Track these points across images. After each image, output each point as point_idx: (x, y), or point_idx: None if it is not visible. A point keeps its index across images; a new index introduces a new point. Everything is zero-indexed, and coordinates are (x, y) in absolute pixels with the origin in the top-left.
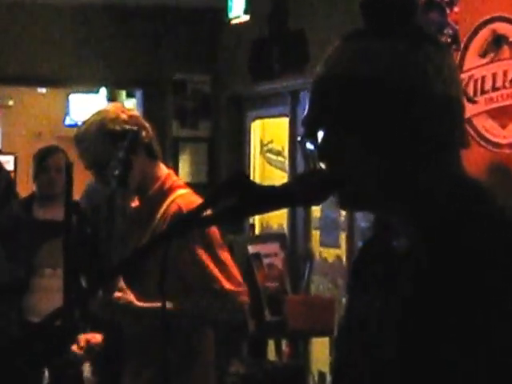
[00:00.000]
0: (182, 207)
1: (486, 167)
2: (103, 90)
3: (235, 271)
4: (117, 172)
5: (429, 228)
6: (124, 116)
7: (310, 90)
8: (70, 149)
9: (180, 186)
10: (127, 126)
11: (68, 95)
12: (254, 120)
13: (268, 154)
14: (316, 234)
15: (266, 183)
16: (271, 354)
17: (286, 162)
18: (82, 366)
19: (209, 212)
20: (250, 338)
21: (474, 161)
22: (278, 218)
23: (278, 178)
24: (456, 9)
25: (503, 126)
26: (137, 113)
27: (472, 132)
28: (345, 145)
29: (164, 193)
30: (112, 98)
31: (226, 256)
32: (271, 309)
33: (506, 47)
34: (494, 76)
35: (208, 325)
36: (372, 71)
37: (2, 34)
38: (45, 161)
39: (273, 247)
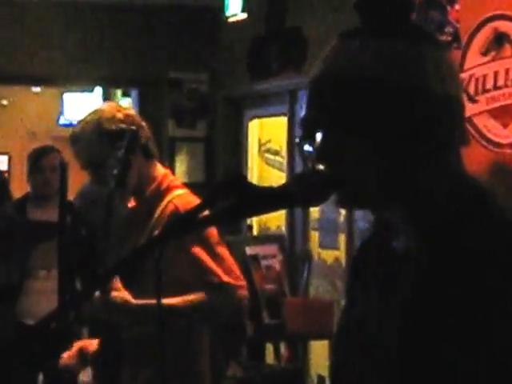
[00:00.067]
0: (179, 208)
1: (488, 167)
2: (98, 89)
3: (234, 266)
4: (115, 171)
5: (429, 228)
6: (120, 115)
7: (308, 90)
8: (65, 148)
9: (177, 187)
10: (123, 126)
11: (62, 94)
12: (251, 119)
13: (266, 154)
14: (315, 236)
15: (264, 183)
16: (270, 358)
17: (285, 161)
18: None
19: (206, 213)
20: (248, 341)
21: (475, 161)
22: (276, 219)
23: (277, 178)
24: (457, 7)
25: (505, 126)
26: (133, 112)
27: (473, 131)
28: (344, 145)
29: (161, 193)
30: (107, 97)
31: (223, 251)
32: (269, 311)
33: (507, 45)
34: (496, 74)
35: (207, 320)
36: (370, 71)
37: None
38: (39, 161)
39: (271, 249)
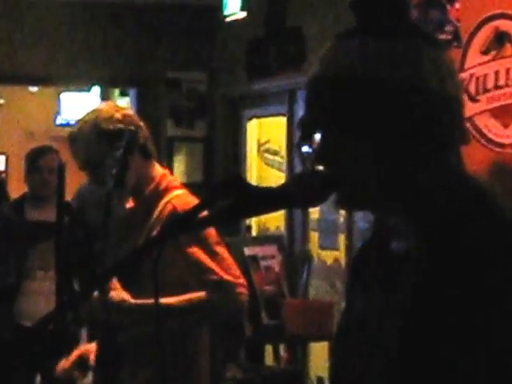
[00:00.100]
0: (178, 208)
1: (488, 167)
2: (96, 89)
3: (233, 265)
4: (114, 172)
5: (429, 228)
6: (118, 115)
7: (306, 91)
8: (63, 148)
9: (176, 187)
10: (122, 126)
11: (59, 94)
12: (250, 119)
13: (265, 154)
14: (314, 236)
15: (263, 184)
16: (269, 359)
17: (284, 162)
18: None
19: (205, 213)
20: (247, 342)
21: (475, 160)
22: (275, 220)
23: (276, 178)
24: (457, 5)
25: (505, 126)
26: (131, 112)
27: (474, 131)
28: (342, 146)
29: (159, 193)
30: (105, 96)
31: (222, 251)
32: (268, 312)
33: (508, 45)
34: (497, 74)
35: (207, 319)
36: (368, 71)
37: None
38: (37, 161)
39: (270, 249)
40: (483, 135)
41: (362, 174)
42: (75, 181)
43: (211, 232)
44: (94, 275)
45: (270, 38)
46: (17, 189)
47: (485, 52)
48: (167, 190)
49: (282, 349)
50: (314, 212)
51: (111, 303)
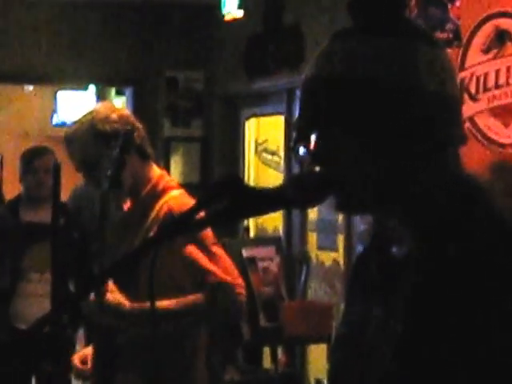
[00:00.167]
0: (174, 209)
1: (489, 167)
2: (92, 88)
3: (231, 265)
4: (109, 173)
5: (427, 228)
6: (114, 116)
7: (301, 91)
8: (59, 149)
9: (173, 188)
10: (118, 126)
11: (56, 93)
12: (248, 118)
13: (263, 154)
14: (312, 237)
15: (261, 184)
16: (267, 362)
17: (282, 161)
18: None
19: (201, 214)
20: (245, 345)
21: (475, 160)
22: (273, 221)
23: (274, 178)
24: (457, 4)
25: (506, 125)
26: (128, 112)
27: (474, 131)
28: (338, 146)
29: (156, 194)
30: (101, 95)
31: (220, 252)
32: (267, 314)
33: (509, 43)
34: (497, 73)
35: (204, 320)
36: (364, 71)
37: None
38: (32, 162)
39: (268, 251)
40: (484, 134)
41: (358, 174)
42: (71, 181)
43: (208, 233)
44: (90, 277)
45: (268, 36)
46: (12, 190)
47: (485, 51)
48: (164, 190)
49: (279, 351)
50: (313, 212)
51: (107, 306)
